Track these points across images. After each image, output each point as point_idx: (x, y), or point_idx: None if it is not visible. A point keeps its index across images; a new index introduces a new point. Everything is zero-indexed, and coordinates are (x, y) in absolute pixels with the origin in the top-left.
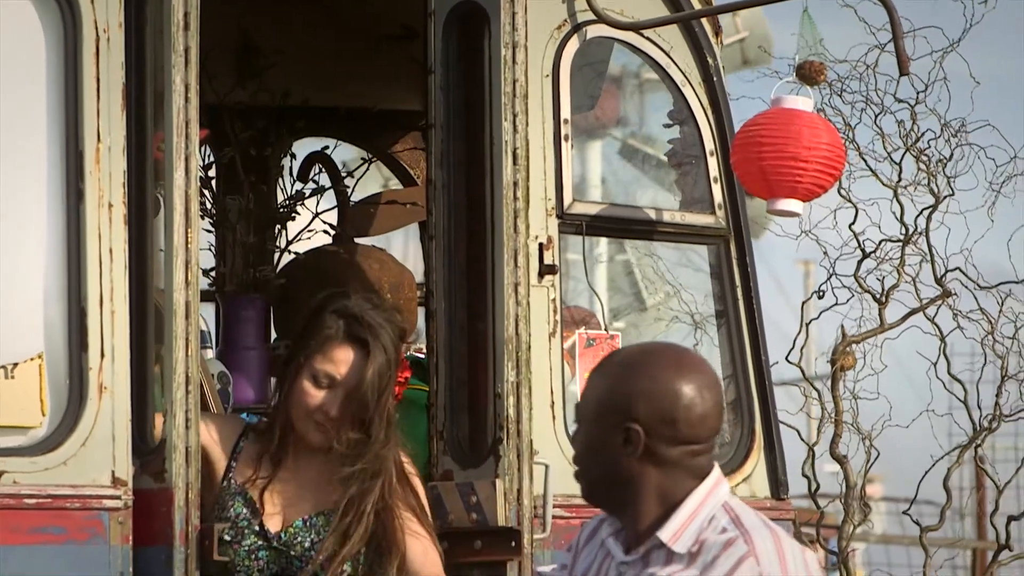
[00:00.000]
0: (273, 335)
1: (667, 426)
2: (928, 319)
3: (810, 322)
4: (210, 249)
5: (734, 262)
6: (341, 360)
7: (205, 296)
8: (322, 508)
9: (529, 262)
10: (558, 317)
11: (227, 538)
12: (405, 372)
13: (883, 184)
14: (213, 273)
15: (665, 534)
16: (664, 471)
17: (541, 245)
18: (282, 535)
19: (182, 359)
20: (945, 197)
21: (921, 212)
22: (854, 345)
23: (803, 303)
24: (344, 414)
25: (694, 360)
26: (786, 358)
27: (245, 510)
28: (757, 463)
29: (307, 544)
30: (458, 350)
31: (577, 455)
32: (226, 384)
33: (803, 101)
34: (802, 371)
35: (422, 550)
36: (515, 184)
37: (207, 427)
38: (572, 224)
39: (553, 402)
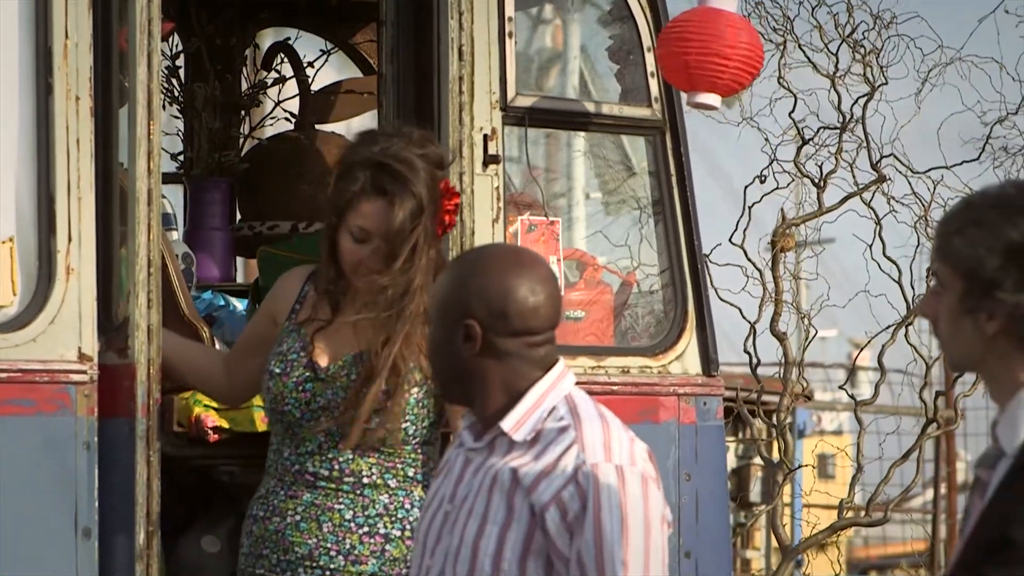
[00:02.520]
0: (238, 216)
1: (501, 319)
2: (864, 203)
3: (752, 205)
4: (178, 134)
5: (669, 153)
6: (370, 213)
7: (173, 179)
8: (372, 348)
9: (474, 152)
10: (501, 204)
11: (276, 371)
12: (454, 199)
13: (821, 74)
14: (181, 157)
15: (507, 423)
16: (504, 363)
17: (485, 136)
18: (330, 367)
19: (144, 243)
20: (879, 86)
21: (856, 101)
22: (793, 227)
23: (745, 188)
24: (385, 263)
25: (528, 257)
26: (729, 239)
27: (297, 344)
28: (689, 342)
29: (352, 376)
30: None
31: (429, 355)
32: (190, 264)
33: (728, 1)
34: (744, 252)
35: None
36: (460, 79)
37: (270, 299)
38: (515, 116)
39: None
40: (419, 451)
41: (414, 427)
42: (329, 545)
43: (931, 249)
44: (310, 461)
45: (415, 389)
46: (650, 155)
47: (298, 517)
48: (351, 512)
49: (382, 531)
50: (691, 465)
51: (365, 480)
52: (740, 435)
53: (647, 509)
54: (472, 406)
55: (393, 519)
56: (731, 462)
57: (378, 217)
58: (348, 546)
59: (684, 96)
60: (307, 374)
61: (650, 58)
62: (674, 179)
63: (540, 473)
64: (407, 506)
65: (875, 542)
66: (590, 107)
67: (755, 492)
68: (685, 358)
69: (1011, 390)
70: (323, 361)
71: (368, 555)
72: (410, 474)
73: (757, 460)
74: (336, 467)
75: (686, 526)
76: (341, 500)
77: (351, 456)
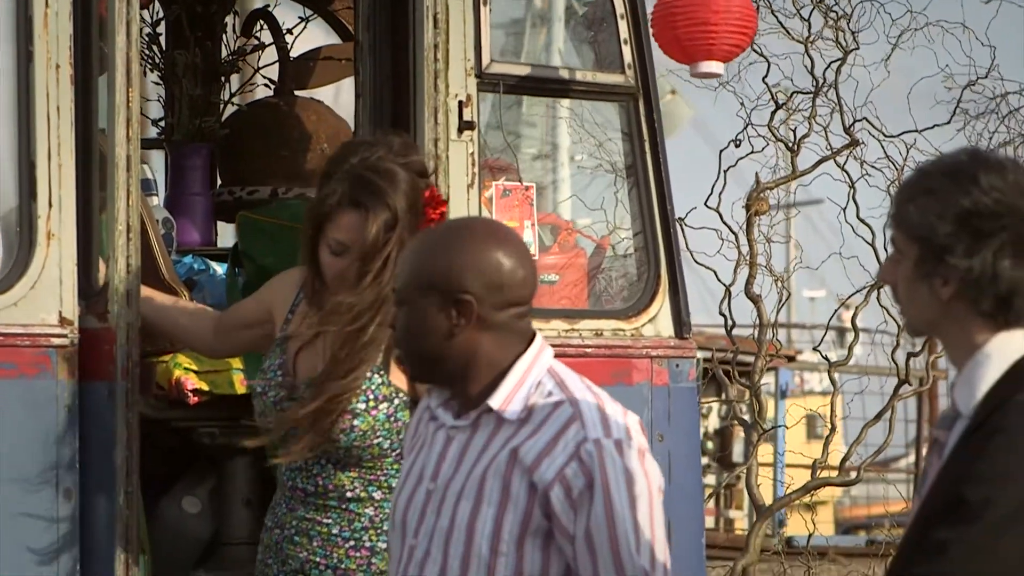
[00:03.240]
0: (218, 181)
1: (496, 291)
2: (838, 166)
3: (727, 169)
4: (159, 101)
5: (642, 118)
6: (346, 226)
7: (154, 145)
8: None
9: (449, 119)
10: (476, 170)
11: (259, 389)
12: (440, 207)
13: (794, 39)
14: (162, 123)
15: (495, 401)
16: (494, 336)
17: (460, 103)
18: (301, 385)
19: (123, 208)
20: (851, 51)
21: (829, 65)
22: (768, 191)
23: (720, 152)
24: (358, 277)
25: (505, 229)
26: (705, 203)
27: (277, 362)
28: (662, 305)
29: None
30: None
31: (400, 337)
32: (170, 229)
33: None
34: (720, 215)
35: None
36: (435, 47)
37: (271, 289)
38: (490, 83)
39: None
40: (401, 462)
41: (388, 441)
42: (318, 559)
43: (888, 217)
44: (299, 477)
45: (384, 404)
46: (623, 121)
47: (293, 530)
48: (338, 527)
49: (368, 544)
50: (664, 426)
51: (349, 494)
52: (724, 396)
53: (649, 482)
54: (449, 385)
55: (379, 531)
56: (714, 423)
57: (354, 230)
58: (335, 560)
59: (688, 68)
60: (282, 393)
61: (623, 25)
62: (647, 144)
63: (541, 451)
64: None
65: (864, 503)
66: (564, 74)
67: (737, 452)
68: (658, 321)
69: (967, 353)
70: (301, 376)
71: (355, 569)
72: (395, 485)
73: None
74: (320, 483)
75: None
76: (329, 515)
77: (332, 471)
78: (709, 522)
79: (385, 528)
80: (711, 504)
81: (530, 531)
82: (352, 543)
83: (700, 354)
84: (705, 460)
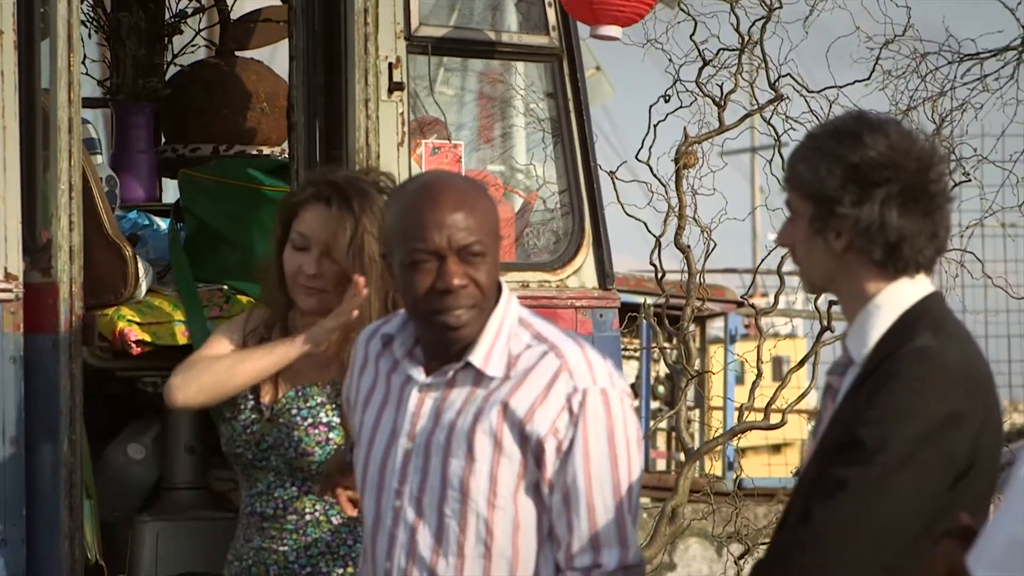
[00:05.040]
0: (162, 139)
1: (497, 239)
2: (764, 120)
3: (657, 124)
4: (104, 62)
5: (567, 78)
6: (310, 219)
7: (99, 104)
8: (316, 380)
9: (379, 80)
10: (406, 129)
11: (227, 415)
12: None
13: None
14: (107, 84)
15: (477, 358)
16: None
17: (390, 64)
18: (274, 406)
19: (65, 169)
20: (775, 9)
21: (754, 23)
22: (696, 145)
23: (650, 107)
24: (321, 271)
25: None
26: (635, 157)
27: (250, 394)
28: (586, 258)
29: (293, 412)
30: (316, 160)
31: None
32: (113, 187)
33: None
34: (650, 168)
35: None
36: (365, 11)
37: (222, 337)
38: (419, 45)
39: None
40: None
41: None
42: None
43: (782, 181)
44: (258, 501)
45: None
46: (548, 81)
47: (250, 561)
48: (294, 554)
49: (323, 570)
50: None
51: (308, 517)
52: (674, 342)
53: (629, 429)
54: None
55: (335, 557)
56: (664, 369)
57: (318, 222)
58: None
59: (588, 29)
60: (253, 416)
61: None
62: (571, 103)
63: (533, 403)
64: (349, 542)
65: None
66: (491, 36)
67: (690, 396)
68: (582, 273)
69: (859, 303)
70: (268, 399)
71: None
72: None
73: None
74: (280, 505)
75: None
76: (285, 542)
77: (296, 494)
78: (661, 464)
79: (342, 554)
80: (663, 447)
81: (525, 482)
82: (309, 570)
83: (650, 300)
84: (657, 404)
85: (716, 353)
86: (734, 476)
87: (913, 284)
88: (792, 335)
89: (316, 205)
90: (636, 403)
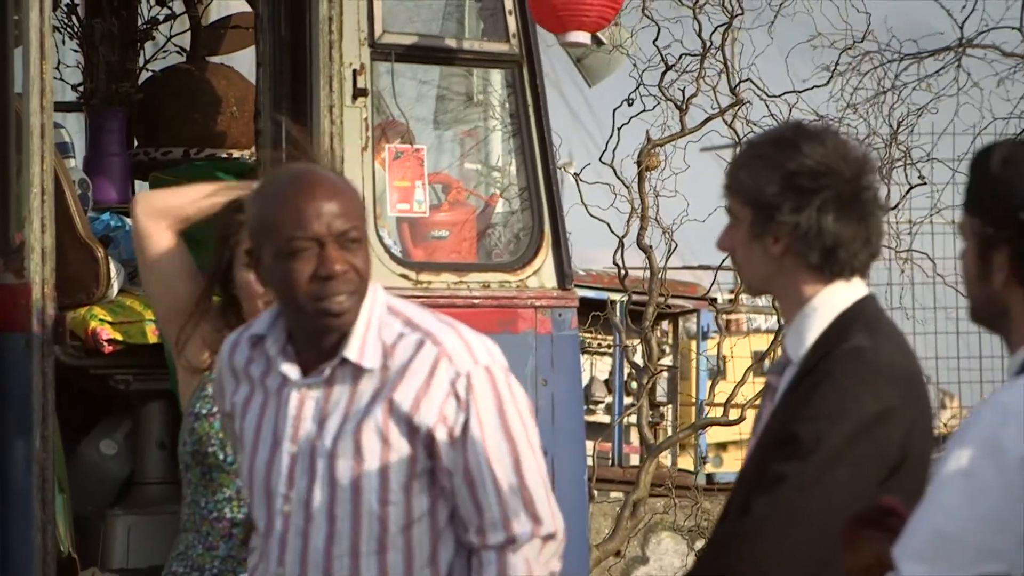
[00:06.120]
0: (134, 143)
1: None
2: (726, 124)
3: (621, 127)
4: (78, 67)
5: (526, 84)
6: None
7: (73, 108)
8: None
9: (343, 86)
10: (369, 134)
11: (203, 412)
12: None
13: (682, 4)
14: (81, 88)
15: (352, 352)
16: None
17: (355, 71)
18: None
19: (38, 173)
20: (736, 15)
21: (716, 29)
22: (658, 148)
23: (614, 111)
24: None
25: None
26: (600, 159)
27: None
28: (546, 259)
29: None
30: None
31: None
32: (86, 189)
33: None
34: (614, 170)
35: None
36: (330, 19)
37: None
38: (383, 52)
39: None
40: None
41: (222, 453)
42: None
43: (723, 188)
44: (228, 507)
45: (219, 416)
46: (509, 87)
47: (215, 571)
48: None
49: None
50: (547, 371)
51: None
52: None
53: (519, 401)
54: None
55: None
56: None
57: None
58: None
59: (556, 38)
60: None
61: None
62: (531, 109)
63: (417, 394)
64: None
65: None
66: (452, 43)
67: (660, 392)
68: (542, 273)
69: (797, 305)
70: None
71: None
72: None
73: (664, 362)
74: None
75: (543, 428)
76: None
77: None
78: (634, 459)
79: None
80: (636, 442)
81: (416, 474)
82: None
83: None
84: (630, 399)
85: (692, 349)
86: (703, 471)
87: (848, 287)
88: (771, 331)
89: None
90: (609, 399)
